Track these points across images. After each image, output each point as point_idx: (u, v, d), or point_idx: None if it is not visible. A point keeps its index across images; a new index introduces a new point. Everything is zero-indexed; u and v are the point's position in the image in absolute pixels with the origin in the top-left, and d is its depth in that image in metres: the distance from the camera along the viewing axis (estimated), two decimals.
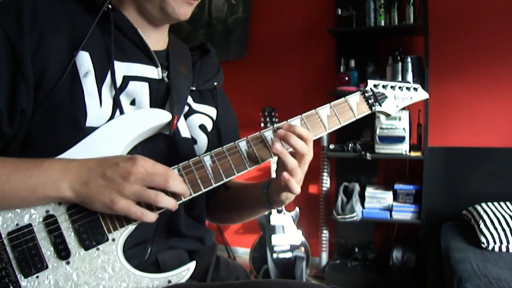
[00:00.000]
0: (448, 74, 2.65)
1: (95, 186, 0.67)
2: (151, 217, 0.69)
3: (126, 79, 0.78)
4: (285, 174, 0.76)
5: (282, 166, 0.78)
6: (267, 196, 0.88)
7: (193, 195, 0.74)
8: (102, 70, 0.75)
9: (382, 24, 2.57)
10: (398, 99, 0.92)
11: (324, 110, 0.84)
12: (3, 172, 0.67)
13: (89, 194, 0.68)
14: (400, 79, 2.51)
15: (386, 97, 0.90)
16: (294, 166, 0.77)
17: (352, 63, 2.73)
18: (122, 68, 0.78)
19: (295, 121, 0.82)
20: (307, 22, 2.99)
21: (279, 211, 2.63)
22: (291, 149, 0.78)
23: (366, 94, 0.88)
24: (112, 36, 0.77)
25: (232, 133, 0.98)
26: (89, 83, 0.73)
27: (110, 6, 0.78)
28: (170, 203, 0.70)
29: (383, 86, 0.91)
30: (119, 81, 0.77)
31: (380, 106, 0.89)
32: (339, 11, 2.69)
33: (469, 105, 2.64)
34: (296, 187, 0.78)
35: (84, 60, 0.74)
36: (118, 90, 0.76)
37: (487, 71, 2.58)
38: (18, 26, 0.69)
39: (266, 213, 2.60)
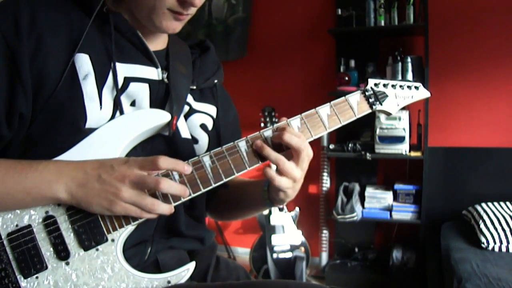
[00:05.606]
0: (448, 74, 2.65)
1: (91, 190, 0.68)
2: (149, 215, 0.70)
3: (127, 81, 0.77)
4: (268, 170, 0.76)
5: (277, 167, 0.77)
6: (268, 194, 0.87)
7: (192, 195, 0.74)
8: (103, 72, 0.75)
9: (382, 24, 2.57)
10: (399, 98, 0.90)
11: (324, 110, 0.83)
12: None
13: (85, 197, 0.68)
14: (400, 79, 2.50)
15: (387, 96, 0.88)
16: (286, 167, 0.76)
17: (352, 63, 2.72)
18: (122, 70, 0.77)
19: (295, 121, 0.81)
20: (307, 22, 2.99)
21: (280, 209, 2.63)
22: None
23: (367, 93, 0.87)
24: (113, 37, 0.77)
25: (232, 128, 0.97)
26: (88, 86, 0.73)
27: (107, 9, 0.78)
28: (165, 210, 0.70)
29: (384, 85, 0.89)
30: (120, 83, 0.76)
31: (381, 105, 0.87)
32: (339, 11, 2.68)
33: (469, 105, 2.64)
34: (285, 185, 0.77)
35: (84, 62, 0.73)
36: (119, 91, 0.76)
37: (487, 71, 2.58)
38: (16, 29, 0.69)
39: (266, 212, 2.60)
